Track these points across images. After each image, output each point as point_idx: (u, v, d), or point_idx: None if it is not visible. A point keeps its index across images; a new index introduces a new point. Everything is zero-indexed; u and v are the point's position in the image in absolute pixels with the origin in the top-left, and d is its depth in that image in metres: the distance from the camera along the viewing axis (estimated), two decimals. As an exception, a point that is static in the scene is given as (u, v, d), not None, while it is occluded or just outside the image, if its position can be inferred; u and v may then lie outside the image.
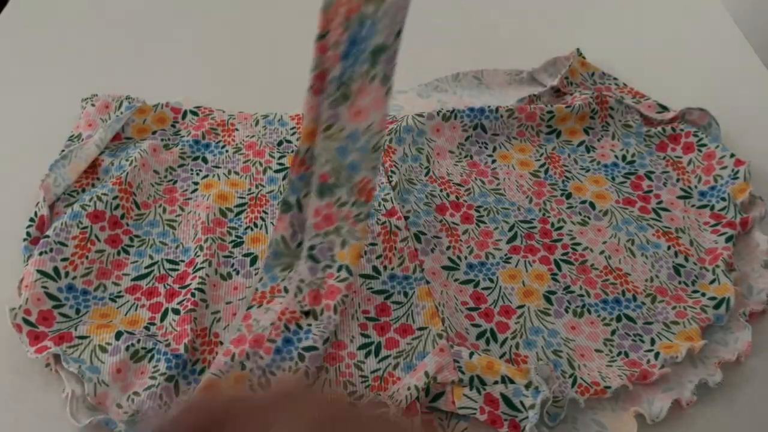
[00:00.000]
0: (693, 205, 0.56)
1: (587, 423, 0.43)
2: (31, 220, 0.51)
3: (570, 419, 0.43)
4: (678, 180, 0.57)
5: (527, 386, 0.42)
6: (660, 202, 0.56)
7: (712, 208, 0.55)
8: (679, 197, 0.56)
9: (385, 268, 0.51)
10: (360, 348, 0.46)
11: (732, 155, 0.57)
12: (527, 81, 0.66)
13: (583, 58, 0.67)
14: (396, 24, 0.38)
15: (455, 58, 0.69)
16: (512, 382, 0.42)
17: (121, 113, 0.59)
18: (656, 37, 0.73)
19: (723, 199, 0.55)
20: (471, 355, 0.43)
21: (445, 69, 0.67)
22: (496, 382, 0.43)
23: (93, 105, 0.60)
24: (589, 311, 0.49)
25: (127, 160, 0.55)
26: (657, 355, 0.45)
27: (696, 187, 0.57)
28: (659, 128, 0.61)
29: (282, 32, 0.73)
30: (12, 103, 0.64)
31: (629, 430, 0.42)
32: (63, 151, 0.56)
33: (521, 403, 0.42)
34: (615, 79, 0.66)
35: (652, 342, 0.47)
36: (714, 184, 0.56)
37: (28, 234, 0.50)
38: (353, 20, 0.36)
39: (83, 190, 0.54)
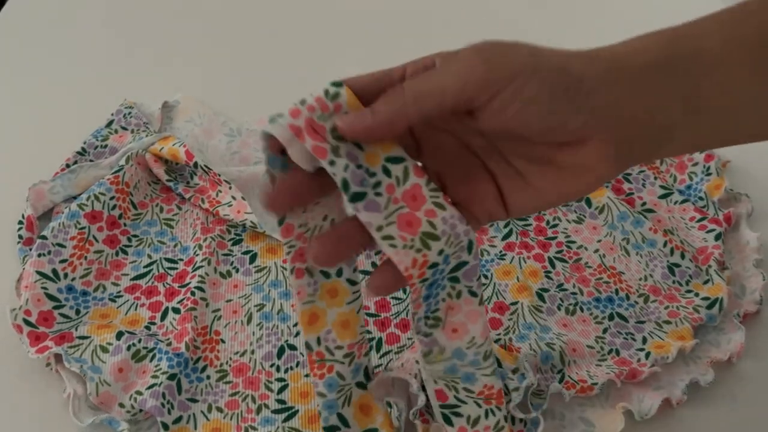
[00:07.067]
0: (675, 202, 0.56)
1: (575, 421, 0.43)
2: (20, 222, 0.51)
3: (558, 416, 0.43)
4: (656, 178, 0.57)
5: (514, 371, 0.43)
6: (644, 204, 0.55)
7: (694, 203, 0.56)
8: (661, 197, 0.56)
9: (383, 266, 0.51)
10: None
11: (701, 151, 0.57)
12: None
13: None
14: (462, 244, 0.34)
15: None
16: (500, 365, 0.43)
17: (144, 135, 0.57)
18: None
19: (701, 198, 0.55)
20: None
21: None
22: None
23: (124, 128, 0.58)
24: (581, 309, 0.49)
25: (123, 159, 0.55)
26: (648, 355, 0.45)
27: (673, 186, 0.57)
28: None
29: (282, 32, 0.73)
30: (9, 103, 0.64)
31: (616, 426, 0.43)
32: (71, 165, 0.55)
33: (505, 386, 0.42)
34: None
35: (644, 340, 0.47)
36: (689, 182, 0.57)
37: (20, 236, 0.51)
38: (427, 272, 0.33)
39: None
